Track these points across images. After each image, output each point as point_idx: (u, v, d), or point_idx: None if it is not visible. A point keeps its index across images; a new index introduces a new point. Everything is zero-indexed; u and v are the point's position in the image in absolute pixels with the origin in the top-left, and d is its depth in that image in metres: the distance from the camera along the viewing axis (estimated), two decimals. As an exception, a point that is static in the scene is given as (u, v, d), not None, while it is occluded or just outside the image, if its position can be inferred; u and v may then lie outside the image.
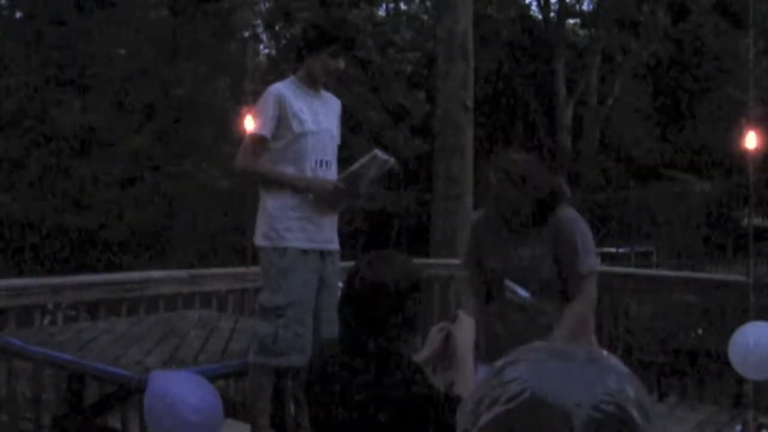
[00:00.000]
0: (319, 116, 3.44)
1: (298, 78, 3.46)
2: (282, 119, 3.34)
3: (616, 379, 0.80)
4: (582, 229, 2.80)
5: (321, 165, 3.41)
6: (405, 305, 2.09)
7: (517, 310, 2.77)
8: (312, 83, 3.45)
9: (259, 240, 3.40)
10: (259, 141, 3.37)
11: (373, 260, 2.20)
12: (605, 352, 0.86)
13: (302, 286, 3.31)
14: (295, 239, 3.33)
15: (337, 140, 3.54)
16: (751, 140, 4.76)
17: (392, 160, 3.49)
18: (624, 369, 0.82)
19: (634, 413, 0.77)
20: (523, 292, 2.77)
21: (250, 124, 3.42)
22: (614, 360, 0.84)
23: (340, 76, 3.63)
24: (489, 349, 2.85)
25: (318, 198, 3.39)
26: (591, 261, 2.79)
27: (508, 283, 2.79)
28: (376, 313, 2.08)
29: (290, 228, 3.33)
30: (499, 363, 0.83)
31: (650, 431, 0.78)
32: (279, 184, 3.38)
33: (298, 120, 3.36)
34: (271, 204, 3.38)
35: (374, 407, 2.02)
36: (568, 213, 2.80)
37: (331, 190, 3.37)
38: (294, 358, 3.25)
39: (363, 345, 2.09)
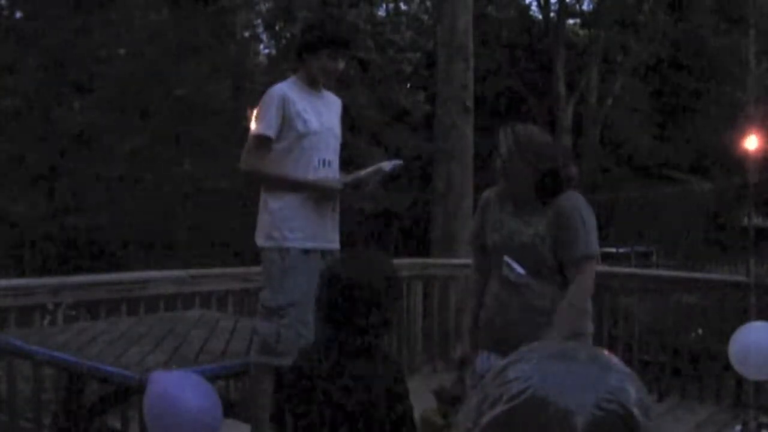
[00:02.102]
0: (323, 116, 3.45)
1: (299, 78, 3.47)
2: (286, 119, 3.35)
3: (618, 378, 0.80)
4: (584, 213, 2.76)
5: (324, 164, 3.42)
6: (377, 303, 2.12)
7: (512, 288, 2.76)
8: (313, 83, 3.46)
9: (261, 240, 3.40)
10: (262, 141, 3.37)
11: (346, 259, 2.27)
12: (606, 352, 0.86)
13: (304, 286, 3.31)
14: (297, 239, 3.34)
15: (339, 139, 3.55)
16: (751, 140, 4.77)
17: (399, 162, 3.53)
18: (625, 368, 0.82)
19: (636, 412, 0.77)
20: (519, 269, 2.76)
21: (253, 124, 3.42)
22: (615, 359, 0.84)
23: (341, 76, 3.64)
24: (484, 325, 2.87)
25: (321, 198, 3.40)
26: (590, 246, 2.74)
27: (506, 259, 2.79)
28: (349, 312, 2.12)
29: (292, 228, 3.34)
30: (502, 362, 0.83)
31: (652, 430, 0.78)
32: (283, 186, 3.38)
33: (303, 120, 3.36)
34: (272, 204, 3.38)
35: (349, 402, 2.06)
36: (572, 196, 2.79)
37: (337, 191, 3.39)
38: (295, 358, 3.26)
39: (339, 342, 2.12)
